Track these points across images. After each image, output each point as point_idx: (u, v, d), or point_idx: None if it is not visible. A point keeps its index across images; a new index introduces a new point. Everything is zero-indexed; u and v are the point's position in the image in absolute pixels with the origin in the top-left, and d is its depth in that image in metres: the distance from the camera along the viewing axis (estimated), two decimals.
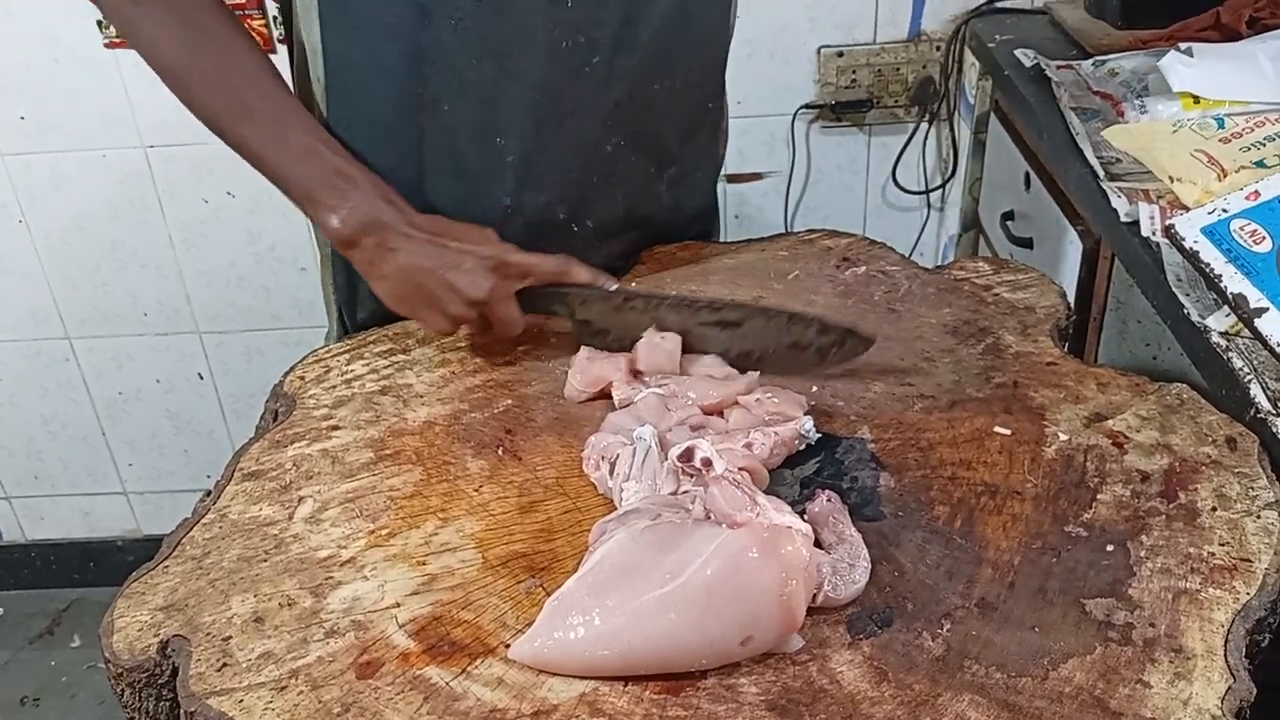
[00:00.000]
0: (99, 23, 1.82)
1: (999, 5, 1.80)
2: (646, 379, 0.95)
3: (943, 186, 1.99)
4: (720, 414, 0.90)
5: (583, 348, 0.98)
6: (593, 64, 1.01)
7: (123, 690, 0.73)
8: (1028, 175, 1.51)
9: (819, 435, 0.88)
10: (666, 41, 1.03)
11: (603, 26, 0.99)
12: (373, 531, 0.81)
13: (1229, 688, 0.65)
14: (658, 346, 0.96)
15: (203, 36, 0.96)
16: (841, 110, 1.91)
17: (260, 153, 0.97)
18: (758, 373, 0.94)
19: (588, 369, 0.96)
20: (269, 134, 0.96)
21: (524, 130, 1.02)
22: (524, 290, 0.99)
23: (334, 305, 1.15)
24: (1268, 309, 0.93)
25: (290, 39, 1.08)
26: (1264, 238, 0.98)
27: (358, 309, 1.13)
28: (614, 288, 1.00)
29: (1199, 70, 1.30)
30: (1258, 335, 0.93)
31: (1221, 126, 1.21)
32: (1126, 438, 0.86)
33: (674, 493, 0.78)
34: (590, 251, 1.05)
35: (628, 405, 0.92)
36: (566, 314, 1.00)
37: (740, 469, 0.76)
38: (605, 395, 0.95)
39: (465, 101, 1.00)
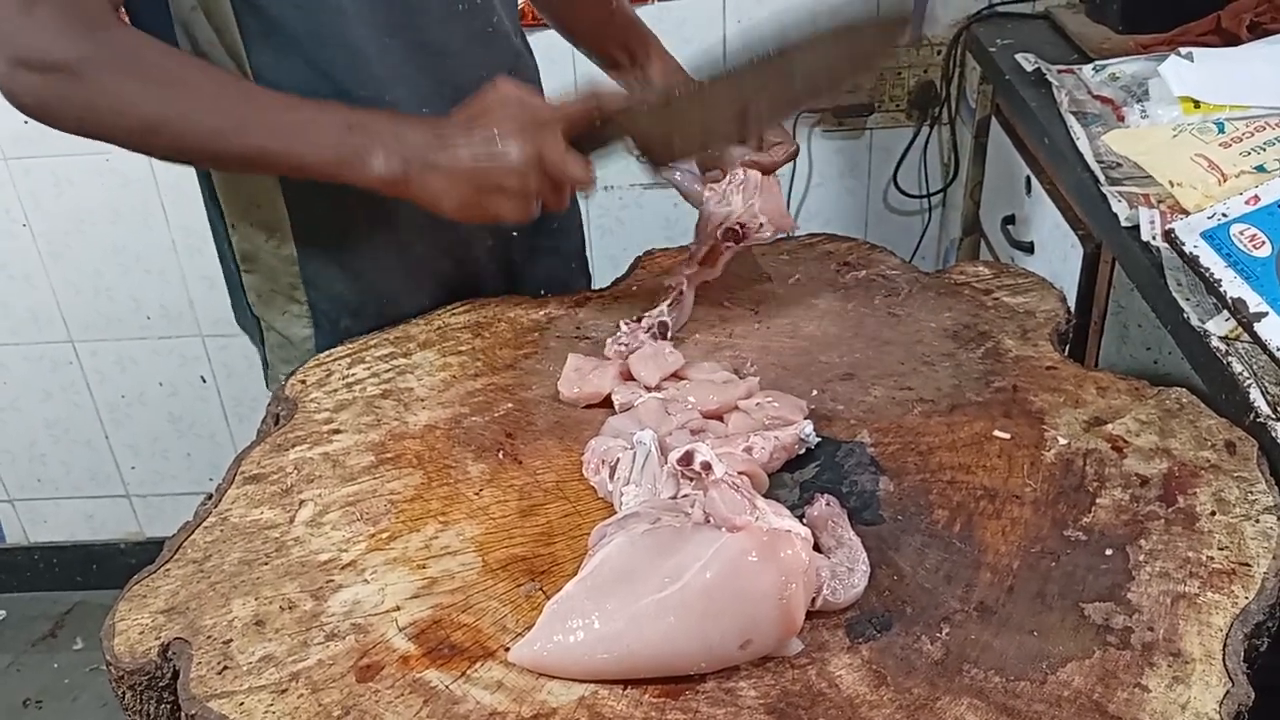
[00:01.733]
0: None
1: (1000, 9, 1.80)
2: (645, 385, 0.95)
3: (944, 190, 1.99)
4: (720, 418, 0.91)
5: (570, 356, 0.98)
6: (494, 23, 1.07)
7: (124, 693, 0.73)
8: (1028, 179, 1.51)
9: (819, 439, 0.88)
10: None
11: None
12: (373, 535, 0.82)
13: (1227, 692, 0.65)
14: (651, 359, 0.96)
15: (161, 73, 0.92)
16: (843, 114, 1.92)
17: (267, 152, 0.94)
18: (757, 378, 0.94)
19: (580, 381, 0.96)
20: (266, 130, 0.93)
21: (445, 96, 1.04)
22: (576, 137, 0.96)
23: (305, 317, 1.14)
24: (1267, 313, 0.93)
25: None
26: (1263, 242, 0.98)
27: (342, 318, 1.13)
28: (654, 95, 0.98)
29: (1199, 75, 1.30)
30: (1257, 340, 0.93)
31: (1222, 131, 1.21)
32: (1126, 442, 0.86)
33: (673, 497, 0.78)
34: None
35: (628, 409, 0.92)
36: (620, 138, 0.98)
37: (740, 473, 0.76)
38: (605, 400, 0.95)
39: (393, 85, 1.02)
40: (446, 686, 0.68)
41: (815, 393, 0.95)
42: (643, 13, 1.83)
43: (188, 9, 0.98)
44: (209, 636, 0.73)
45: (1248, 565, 0.73)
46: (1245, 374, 0.90)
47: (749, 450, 0.83)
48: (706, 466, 0.74)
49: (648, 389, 0.94)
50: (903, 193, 1.99)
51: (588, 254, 1.34)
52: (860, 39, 0.92)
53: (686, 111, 0.96)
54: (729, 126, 0.99)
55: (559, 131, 0.94)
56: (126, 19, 1.00)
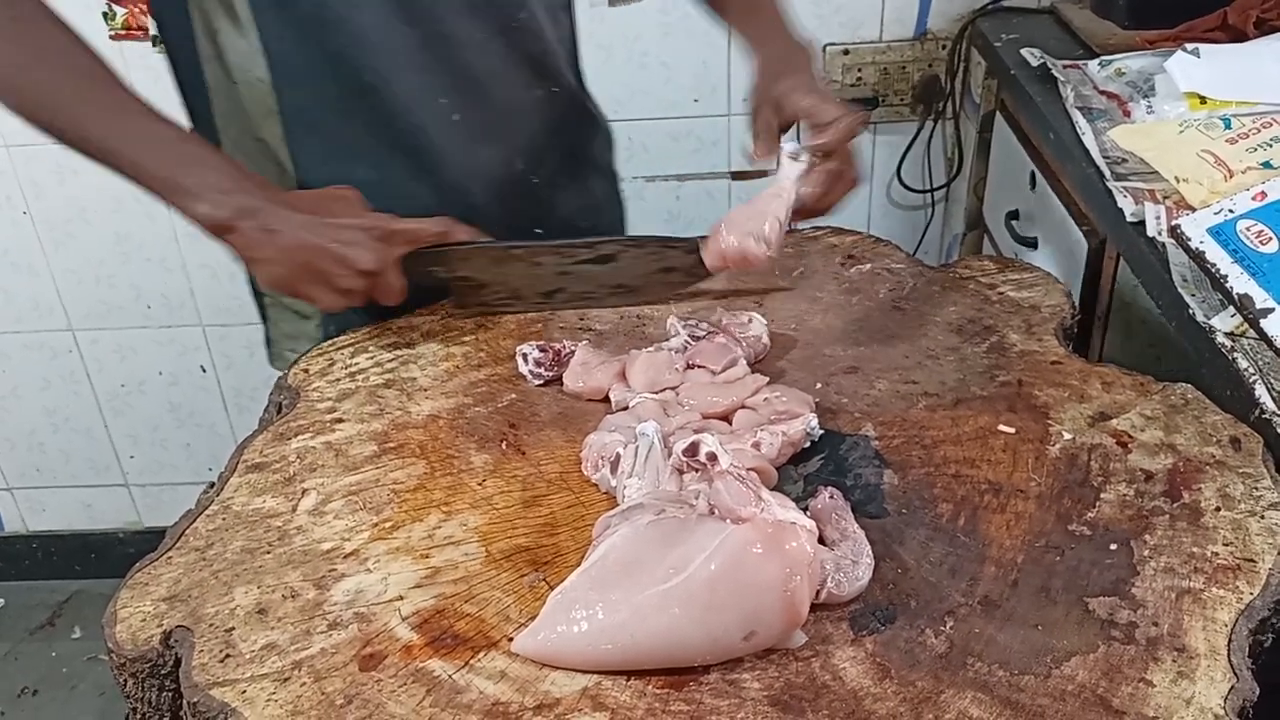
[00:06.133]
0: (104, 14, 1.82)
1: (1005, 4, 1.80)
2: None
3: (947, 185, 1.99)
4: (727, 419, 0.89)
5: (580, 349, 0.98)
6: (520, 18, 1.05)
7: (125, 680, 0.73)
8: (1033, 174, 1.51)
9: (822, 432, 0.88)
10: None
11: None
12: (376, 524, 0.81)
13: (1232, 687, 0.65)
14: (653, 363, 0.95)
15: (29, 39, 0.91)
16: None
17: (107, 146, 0.91)
18: (766, 378, 0.93)
19: (585, 374, 0.96)
20: (112, 126, 0.91)
21: (463, 87, 1.04)
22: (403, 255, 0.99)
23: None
24: (1273, 309, 0.93)
25: (178, 52, 1.05)
26: (1270, 238, 0.98)
27: None
28: (493, 241, 1.03)
29: (1206, 71, 1.29)
30: (1263, 336, 0.92)
31: (1228, 127, 1.20)
32: (1131, 437, 0.86)
33: (678, 491, 0.78)
34: (551, 201, 1.13)
35: (624, 409, 0.92)
36: (446, 273, 1.03)
37: (749, 469, 0.76)
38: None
39: (405, 73, 1.01)
40: (449, 676, 0.68)
41: (819, 386, 0.95)
42: (645, 4, 1.83)
43: None
44: (211, 624, 0.73)
45: (1253, 561, 0.73)
46: (1251, 370, 0.90)
47: (757, 446, 0.82)
48: (712, 457, 0.74)
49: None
50: (906, 187, 1.99)
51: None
52: (669, 264, 1.04)
53: (513, 268, 1.02)
54: (538, 294, 1.06)
55: (400, 251, 0.97)
56: None
